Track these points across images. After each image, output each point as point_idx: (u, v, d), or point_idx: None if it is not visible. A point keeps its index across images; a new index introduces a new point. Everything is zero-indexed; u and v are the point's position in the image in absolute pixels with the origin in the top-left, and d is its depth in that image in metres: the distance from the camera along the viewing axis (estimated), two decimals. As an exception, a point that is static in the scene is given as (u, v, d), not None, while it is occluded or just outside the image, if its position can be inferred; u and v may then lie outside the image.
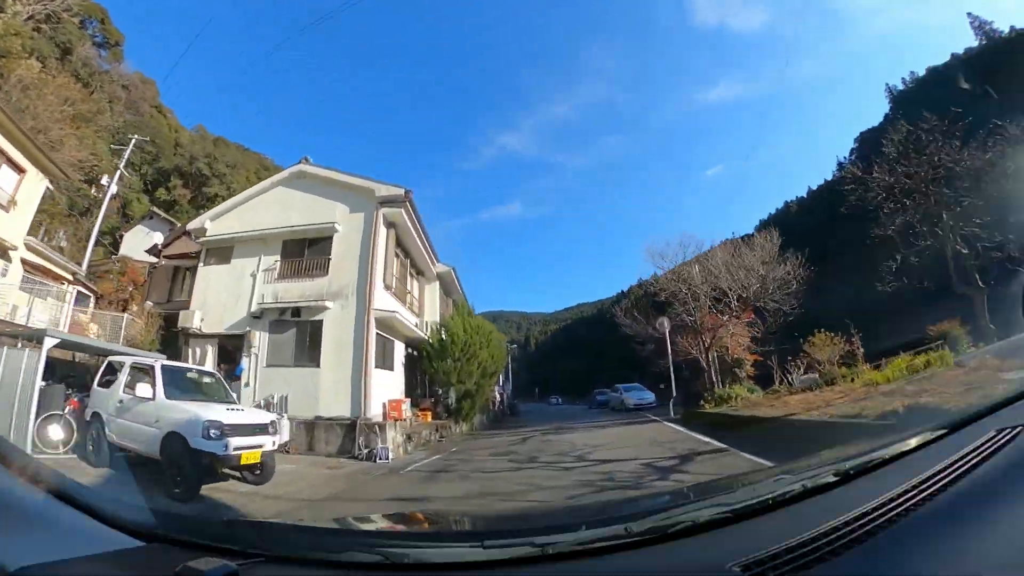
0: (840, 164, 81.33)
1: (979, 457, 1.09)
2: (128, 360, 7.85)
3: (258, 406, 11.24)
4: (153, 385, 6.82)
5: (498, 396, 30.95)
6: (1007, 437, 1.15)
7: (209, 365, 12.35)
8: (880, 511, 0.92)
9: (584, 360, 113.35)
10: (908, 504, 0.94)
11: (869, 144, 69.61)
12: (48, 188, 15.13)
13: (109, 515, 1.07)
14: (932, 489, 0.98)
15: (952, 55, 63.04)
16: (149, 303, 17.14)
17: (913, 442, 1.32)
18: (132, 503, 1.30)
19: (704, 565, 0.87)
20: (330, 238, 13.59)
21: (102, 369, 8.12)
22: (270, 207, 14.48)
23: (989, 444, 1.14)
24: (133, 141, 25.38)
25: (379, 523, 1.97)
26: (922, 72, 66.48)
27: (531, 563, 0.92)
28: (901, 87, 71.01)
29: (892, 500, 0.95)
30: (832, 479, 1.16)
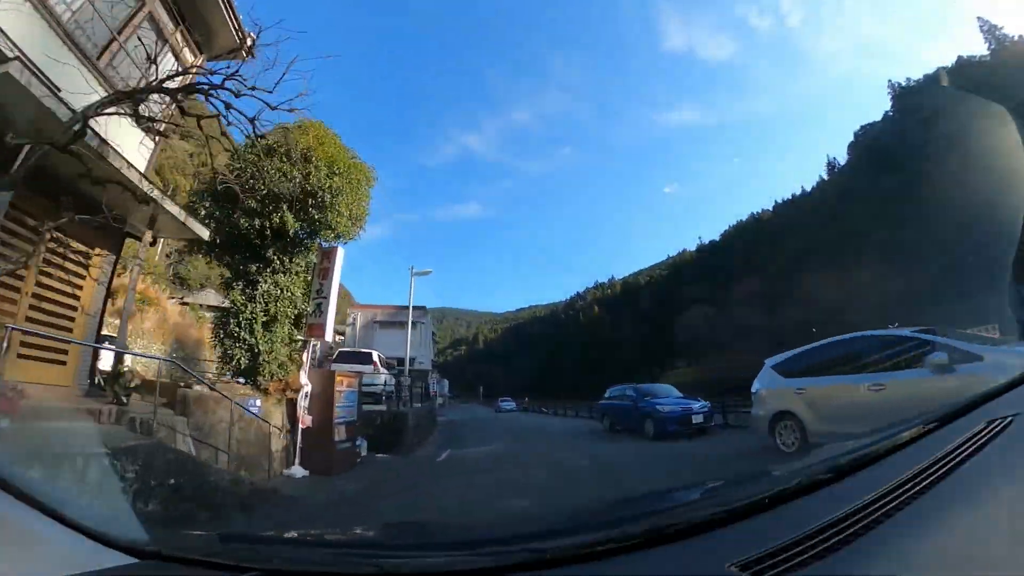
0: (831, 164, 78.14)
1: (971, 449, 1.10)
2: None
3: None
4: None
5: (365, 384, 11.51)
6: (998, 428, 1.17)
7: None
8: (875, 506, 0.91)
9: (538, 360, 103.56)
10: (903, 498, 0.94)
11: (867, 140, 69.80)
12: None
13: (101, 532, 1.04)
14: (926, 483, 0.99)
15: (958, 57, 60.60)
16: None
17: (906, 436, 1.32)
18: (125, 519, 1.31)
19: (702, 566, 0.86)
20: None
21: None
22: None
23: (981, 435, 1.15)
24: None
25: (375, 533, 1.90)
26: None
27: (527, 569, 0.89)
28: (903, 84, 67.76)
29: (887, 495, 0.95)
30: (826, 475, 1.16)
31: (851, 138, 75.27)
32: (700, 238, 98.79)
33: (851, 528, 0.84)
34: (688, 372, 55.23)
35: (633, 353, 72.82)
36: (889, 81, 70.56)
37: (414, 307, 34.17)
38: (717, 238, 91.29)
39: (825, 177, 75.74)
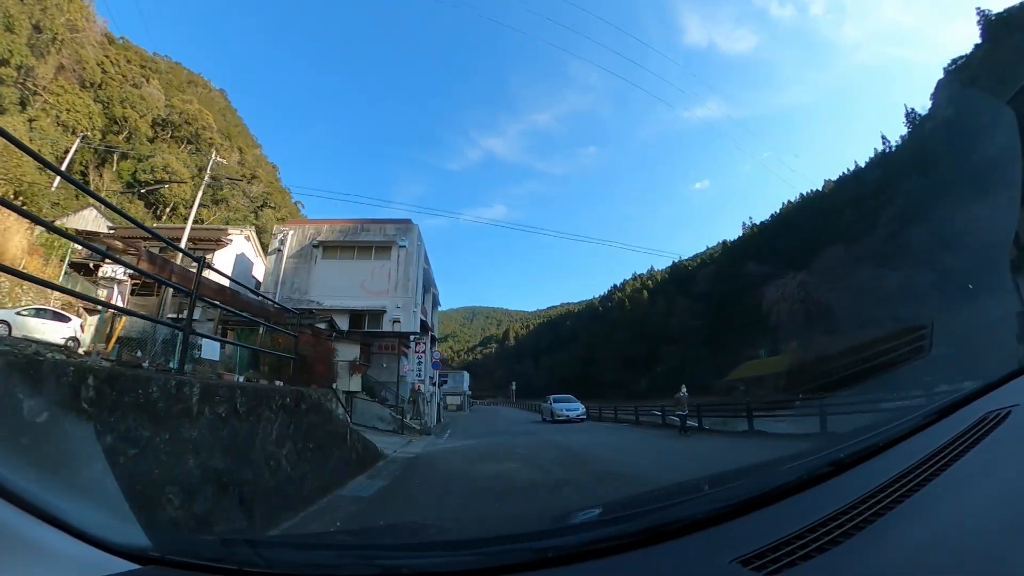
0: (910, 114, 65.16)
1: (971, 440, 1.09)
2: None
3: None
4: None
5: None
6: (996, 419, 1.18)
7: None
8: (876, 499, 0.91)
9: (575, 355, 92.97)
10: (904, 490, 0.93)
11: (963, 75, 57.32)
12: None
13: (102, 538, 1.01)
14: (927, 474, 0.98)
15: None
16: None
17: (905, 429, 1.33)
18: (126, 524, 1.33)
19: (704, 561, 0.85)
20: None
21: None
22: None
23: (980, 427, 1.16)
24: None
25: (375, 535, 1.92)
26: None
27: (530, 568, 0.87)
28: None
29: (887, 487, 0.95)
30: (827, 469, 1.13)
31: (903, 112, 63.87)
32: (750, 218, 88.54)
33: (852, 521, 0.83)
34: (773, 363, 43.42)
35: (693, 341, 61.38)
36: (978, 9, 58.26)
37: (393, 221, 21.39)
38: (768, 219, 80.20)
39: (905, 130, 63.62)
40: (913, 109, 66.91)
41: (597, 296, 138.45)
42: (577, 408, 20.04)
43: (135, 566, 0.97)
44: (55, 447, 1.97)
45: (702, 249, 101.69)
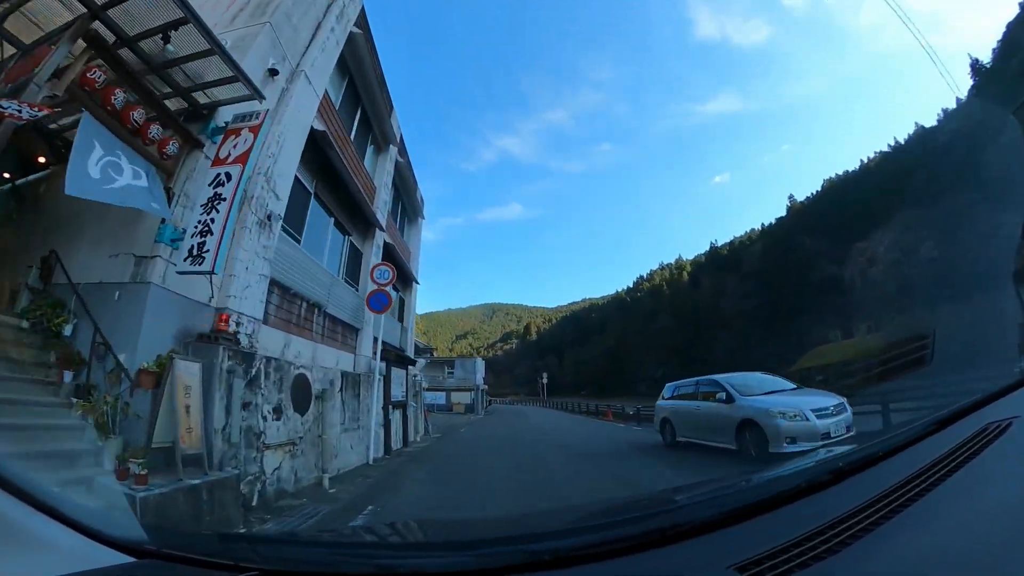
0: (975, 65, 55.58)
1: (970, 451, 1.08)
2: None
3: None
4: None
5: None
6: (997, 430, 1.15)
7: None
8: (874, 508, 0.91)
9: (604, 349, 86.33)
10: (902, 500, 0.93)
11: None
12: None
13: (97, 530, 1.00)
14: (926, 485, 0.98)
15: None
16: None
17: (904, 438, 1.31)
18: (122, 517, 1.30)
19: (701, 567, 0.85)
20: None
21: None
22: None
23: (980, 438, 1.13)
24: None
25: (374, 534, 1.87)
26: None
27: (526, 570, 0.87)
28: None
29: (886, 497, 0.94)
30: (826, 478, 1.13)
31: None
32: (791, 196, 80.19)
33: (850, 530, 0.83)
34: (852, 346, 35.87)
35: (747, 326, 54.07)
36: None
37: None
38: (819, 189, 71.69)
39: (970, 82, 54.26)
40: (977, 59, 57.72)
41: (623, 288, 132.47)
42: (840, 408, 6.79)
43: (131, 559, 0.96)
44: (53, 439, 2.01)
45: (728, 240, 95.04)
